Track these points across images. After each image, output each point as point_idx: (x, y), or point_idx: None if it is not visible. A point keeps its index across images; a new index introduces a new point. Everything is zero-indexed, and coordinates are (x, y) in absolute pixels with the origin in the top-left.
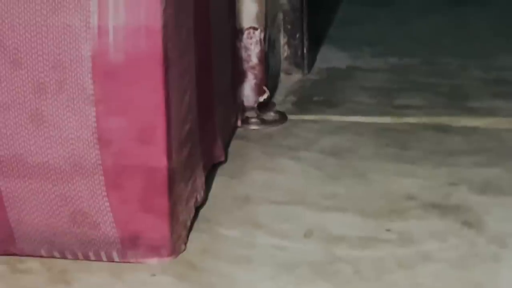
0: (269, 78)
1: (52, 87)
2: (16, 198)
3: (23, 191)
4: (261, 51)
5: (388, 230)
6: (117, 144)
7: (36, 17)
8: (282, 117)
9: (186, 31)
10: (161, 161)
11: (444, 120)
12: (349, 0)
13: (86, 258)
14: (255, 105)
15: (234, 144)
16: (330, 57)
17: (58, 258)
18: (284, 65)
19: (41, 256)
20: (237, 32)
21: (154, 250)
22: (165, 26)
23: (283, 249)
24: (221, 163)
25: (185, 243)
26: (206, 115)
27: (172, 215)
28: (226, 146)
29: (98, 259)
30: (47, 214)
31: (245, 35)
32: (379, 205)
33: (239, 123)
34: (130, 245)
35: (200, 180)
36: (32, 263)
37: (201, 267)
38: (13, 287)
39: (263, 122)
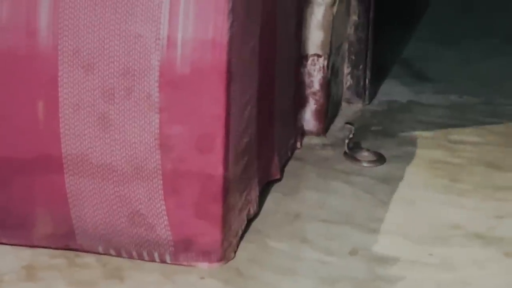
0: (330, 106)
1: (121, 93)
2: (79, 196)
3: (86, 189)
4: (324, 78)
5: (430, 254)
6: (177, 150)
7: (110, 26)
8: (380, 157)
9: (251, 49)
10: (218, 170)
11: (497, 157)
12: (416, 38)
13: (140, 257)
14: (346, 145)
15: (291, 164)
16: (392, 90)
17: (114, 255)
18: (346, 94)
19: (98, 253)
20: (301, 58)
21: (205, 254)
22: (230, 41)
23: (327, 264)
24: (276, 180)
25: (235, 251)
26: (265, 132)
27: (225, 223)
28: (283, 165)
29: (151, 259)
30: (107, 213)
31: (309, 61)
32: (424, 231)
33: (298, 145)
34: (183, 248)
35: (255, 193)
36: (89, 259)
37: (247, 275)
38: (70, 280)
39: (372, 162)
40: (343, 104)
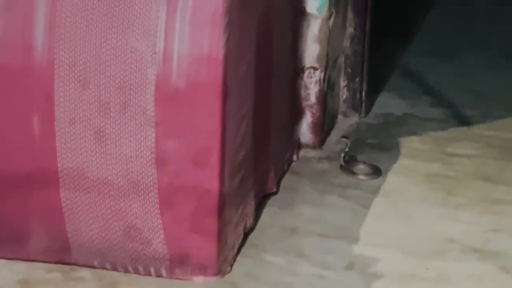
0: (326, 119)
1: (116, 107)
2: (74, 210)
3: (81, 204)
4: (320, 90)
5: (427, 268)
6: (173, 165)
7: (106, 40)
8: (376, 170)
9: (247, 63)
10: (214, 184)
11: (493, 170)
12: (413, 51)
13: (136, 272)
14: (342, 158)
15: (287, 178)
16: (388, 103)
17: (109, 270)
18: (342, 107)
19: (94, 267)
20: (298, 71)
21: (201, 269)
22: (226, 56)
23: (323, 278)
24: (272, 194)
25: (231, 265)
26: (261, 146)
27: (221, 237)
28: (279, 178)
29: (147, 274)
30: (103, 227)
31: (305, 74)
32: (421, 245)
33: (294, 158)
34: (179, 263)
35: (251, 207)
36: (85, 273)
37: None
38: None
39: (368, 174)
40: (339, 117)
